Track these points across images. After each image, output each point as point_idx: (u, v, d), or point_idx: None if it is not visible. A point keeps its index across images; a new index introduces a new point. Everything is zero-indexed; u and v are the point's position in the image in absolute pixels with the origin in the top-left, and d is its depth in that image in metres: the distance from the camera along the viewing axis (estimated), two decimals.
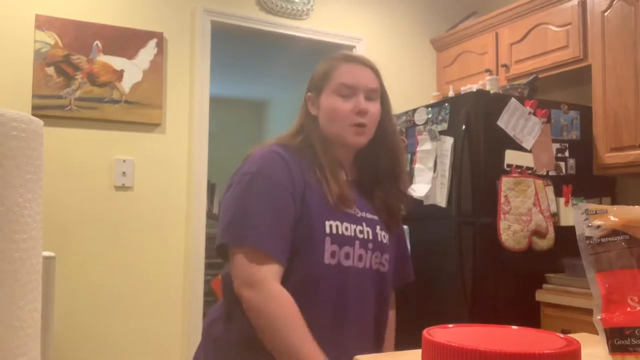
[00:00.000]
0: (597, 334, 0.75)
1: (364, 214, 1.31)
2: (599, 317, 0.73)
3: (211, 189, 4.63)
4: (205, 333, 1.33)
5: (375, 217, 1.34)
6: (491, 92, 2.65)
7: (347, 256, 1.24)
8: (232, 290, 1.20)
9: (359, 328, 1.27)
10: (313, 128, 1.33)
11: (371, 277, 1.30)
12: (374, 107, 1.32)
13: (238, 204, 1.20)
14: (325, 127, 1.32)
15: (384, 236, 1.34)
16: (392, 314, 1.50)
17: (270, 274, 1.15)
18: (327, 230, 1.22)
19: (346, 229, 1.24)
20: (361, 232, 1.27)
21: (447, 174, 2.52)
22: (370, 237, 1.29)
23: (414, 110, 2.81)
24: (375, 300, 1.31)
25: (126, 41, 2.78)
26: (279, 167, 1.23)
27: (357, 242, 1.26)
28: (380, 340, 1.38)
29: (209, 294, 3.86)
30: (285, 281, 1.18)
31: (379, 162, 1.37)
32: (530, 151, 2.51)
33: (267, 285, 1.14)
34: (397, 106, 3.38)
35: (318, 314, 1.20)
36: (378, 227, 1.32)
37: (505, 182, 2.42)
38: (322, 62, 1.38)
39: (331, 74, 1.33)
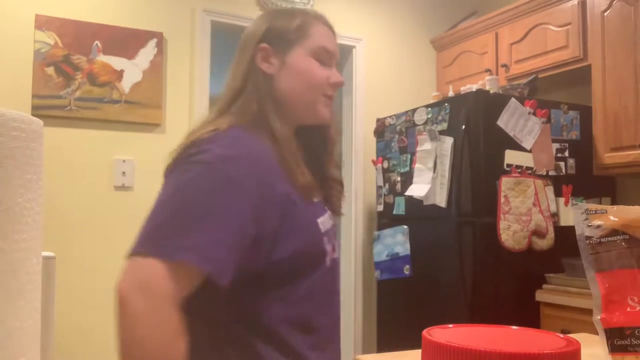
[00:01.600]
0: (597, 334, 0.75)
1: (317, 200, 1.07)
2: (599, 317, 0.73)
3: None
4: None
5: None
6: (491, 92, 2.65)
7: (333, 250, 1.07)
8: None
9: (338, 321, 1.13)
10: (266, 91, 1.03)
11: (338, 267, 1.13)
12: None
13: (177, 202, 0.90)
14: (290, 94, 1.05)
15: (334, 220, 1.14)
16: None
17: (180, 296, 0.84)
18: (322, 229, 1.02)
19: (323, 222, 1.04)
20: (325, 221, 1.06)
21: (447, 174, 2.52)
22: (330, 226, 1.08)
23: (414, 110, 2.81)
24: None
25: (126, 41, 2.78)
26: (246, 162, 0.93)
27: (330, 233, 1.07)
28: None
29: None
30: (291, 297, 0.98)
31: (313, 143, 1.12)
32: (530, 151, 2.51)
33: (169, 309, 0.83)
34: (397, 106, 3.39)
35: (324, 320, 1.04)
36: (329, 213, 1.11)
37: (505, 182, 2.42)
38: (286, 14, 1.11)
39: (308, 32, 1.07)
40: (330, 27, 1.12)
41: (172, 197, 0.91)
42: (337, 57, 1.12)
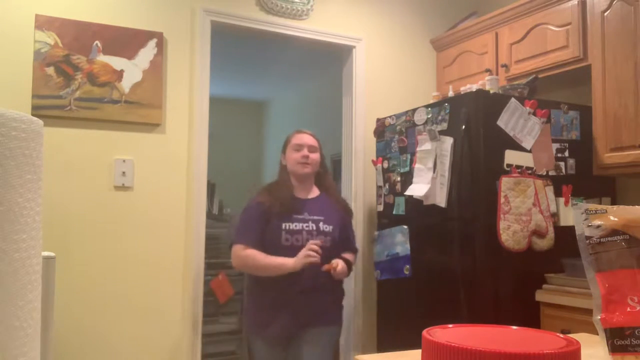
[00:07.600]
0: (597, 334, 0.75)
1: (312, 217, 2.42)
2: (599, 317, 0.73)
3: (211, 189, 4.62)
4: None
5: (322, 217, 2.43)
6: (491, 92, 2.65)
7: (297, 240, 2.37)
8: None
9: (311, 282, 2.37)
10: (282, 170, 2.55)
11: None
12: (314, 155, 2.49)
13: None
14: (288, 167, 2.51)
15: (327, 227, 2.43)
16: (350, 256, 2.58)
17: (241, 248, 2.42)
18: (283, 227, 2.39)
19: (295, 225, 2.39)
20: (307, 226, 2.40)
21: (447, 174, 2.52)
22: (314, 228, 2.40)
23: (414, 110, 2.81)
24: (322, 262, 2.33)
25: (126, 41, 2.78)
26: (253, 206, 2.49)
27: (304, 232, 2.39)
28: (329, 294, 2.47)
29: (208, 294, 3.85)
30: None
31: (323, 186, 2.57)
32: (530, 151, 2.51)
33: (244, 252, 2.40)
34: (397, 106, 3.39)
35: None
36: (321, 223, 2.42)
37: (505, 182, 2.42)
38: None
39: (289, 140, 2.54)
40: (302, 132, 2.56)
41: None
42: (308, 145, 2.49)
